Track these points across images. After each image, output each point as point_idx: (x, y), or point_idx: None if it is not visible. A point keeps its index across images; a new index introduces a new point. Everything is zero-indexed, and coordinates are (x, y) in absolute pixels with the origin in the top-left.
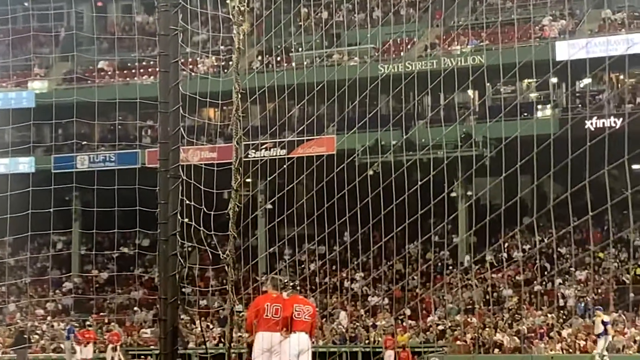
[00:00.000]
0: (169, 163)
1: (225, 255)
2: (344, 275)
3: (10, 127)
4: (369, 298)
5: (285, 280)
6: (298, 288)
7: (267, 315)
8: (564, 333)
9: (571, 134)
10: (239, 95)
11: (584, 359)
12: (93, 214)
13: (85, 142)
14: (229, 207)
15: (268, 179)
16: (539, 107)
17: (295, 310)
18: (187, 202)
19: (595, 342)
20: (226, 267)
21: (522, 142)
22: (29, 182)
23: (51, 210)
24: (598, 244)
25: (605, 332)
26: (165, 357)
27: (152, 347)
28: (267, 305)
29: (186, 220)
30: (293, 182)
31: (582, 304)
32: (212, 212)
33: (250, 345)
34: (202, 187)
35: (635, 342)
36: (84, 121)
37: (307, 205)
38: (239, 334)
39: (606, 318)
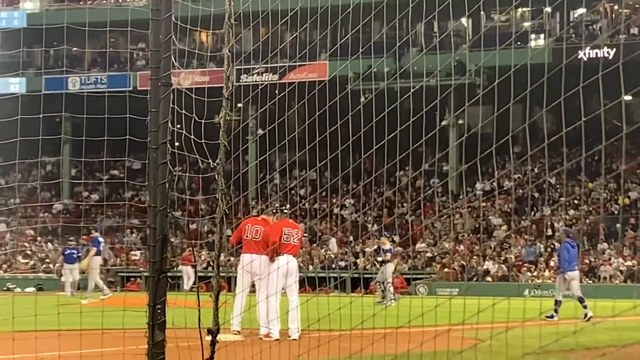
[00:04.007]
0: (161, 71)
1: (215, 164)
2: (334, 201)
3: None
4: (359, 225)
5: (277, 205)
6: (287, 213)
7: (246, 236)
8: (552, 262)
9: (565, 63)
10: (232, 2)
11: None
12: (83, 136)
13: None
14: (219, 116)
15: (259, 104)
16: (533, 36)
17: (285, 234)
18: (178, 110)
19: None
20: (216, 176)
21: (515, 71)
22: (18, 103)
23: (40, 131)
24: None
25: (388, 259)
26: (154, 265)
27: (141, 269)
28: (248, 227)
29: (177, 138)
30: (284, 108)
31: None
32: (203, 121)
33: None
34: (193, 96)
35: (621, 272)
36: (75, 43)
37: (298, 132)
38: (228, 258)
39: (387, 246)
